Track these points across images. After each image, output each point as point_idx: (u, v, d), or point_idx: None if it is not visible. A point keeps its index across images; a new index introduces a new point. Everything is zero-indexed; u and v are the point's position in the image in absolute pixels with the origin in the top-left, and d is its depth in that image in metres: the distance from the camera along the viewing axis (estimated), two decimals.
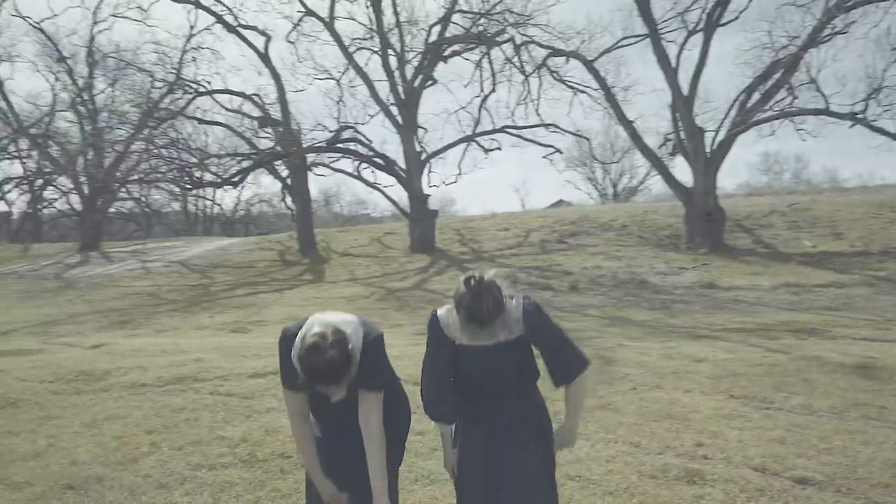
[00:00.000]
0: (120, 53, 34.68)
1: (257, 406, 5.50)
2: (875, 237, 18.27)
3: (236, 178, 22.19)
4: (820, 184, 46.90)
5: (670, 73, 20.64)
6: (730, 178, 76.38)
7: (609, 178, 57.52)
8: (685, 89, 20.44)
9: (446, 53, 25.19)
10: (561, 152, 27.73)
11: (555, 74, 26.03)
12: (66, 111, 36.39)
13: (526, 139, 26.51)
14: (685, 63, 20.86)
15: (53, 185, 39.54)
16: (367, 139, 23.09)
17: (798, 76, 19.08)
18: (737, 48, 31.35)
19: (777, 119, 19.60)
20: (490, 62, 24.42)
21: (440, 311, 2.49)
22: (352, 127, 22.46)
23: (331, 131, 21.89)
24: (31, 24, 32.36)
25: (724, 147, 20.05)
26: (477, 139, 25.96)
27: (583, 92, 25.85)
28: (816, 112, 18.83)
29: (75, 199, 35.30)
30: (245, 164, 23.16)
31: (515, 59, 24.61)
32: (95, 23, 32.88)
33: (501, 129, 26.08)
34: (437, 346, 2.47)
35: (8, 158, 37.58)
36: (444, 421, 2.50)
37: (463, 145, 25.92)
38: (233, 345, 8.86)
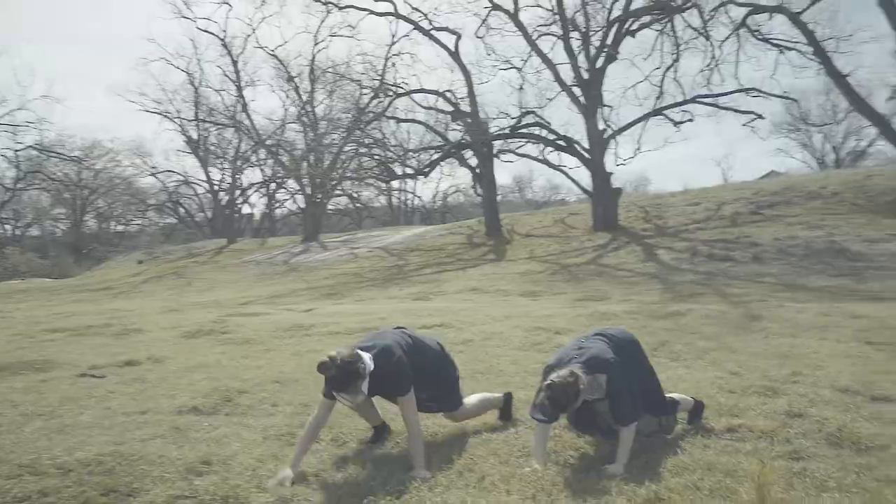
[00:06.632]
0: (335, 68, 39.63)
1: None
2: None
3: (427, 169, 24.16)
4: None
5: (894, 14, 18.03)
6: None
7: (828, 143, 50.37)
8: None
9: (634, 28, 24.60)
10: (763, 118, 25.31)
11: (756, 34, 24.29)
12: (293, 123, 42.52)
13: (722, 108, 25.00)
14: None
15: (284, 188, 46.24)
16: (547, 122, 23.57)
17: None
18: None
19: None
20: (674, 31, 23.46)
21: None
22: (532, 112, 23.12)
23: (512, 118, 22.79)
24: (267, 52, 38.04)
25: None
26: (665, 112, 25.02)
27: (790, 49, 23.87)
28: None
29: (300, 199, 41.08)
30: (436, 156, 25.08)
31: (709, 22, 23.40)
32: (316, 44, 37.72)
33: (692, 100, 24.74)
34: None
35: (250, 167, 44.95)
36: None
37: (650, 120, 25.16)
38: (412, 308, 10.25)
